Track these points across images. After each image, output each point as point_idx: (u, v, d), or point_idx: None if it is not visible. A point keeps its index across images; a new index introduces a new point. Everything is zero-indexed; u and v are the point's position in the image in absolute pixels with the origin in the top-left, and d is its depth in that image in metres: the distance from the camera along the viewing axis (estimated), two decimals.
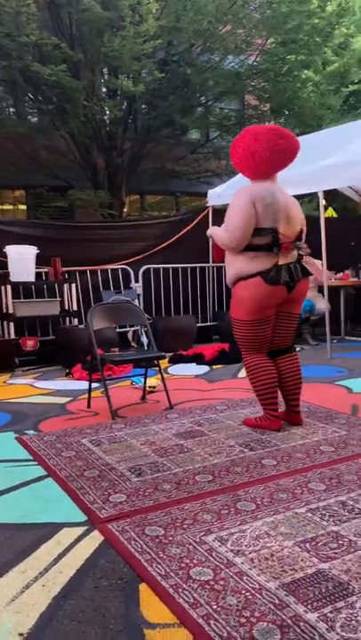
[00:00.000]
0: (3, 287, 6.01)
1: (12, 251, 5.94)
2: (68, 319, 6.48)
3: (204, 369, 5.70)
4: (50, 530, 2.27)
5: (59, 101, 9.65)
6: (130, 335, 6.91)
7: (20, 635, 1.63)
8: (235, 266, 3.36)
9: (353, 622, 1.60)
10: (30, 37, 8.60)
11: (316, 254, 6.42)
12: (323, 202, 5.99)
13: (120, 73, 9.58)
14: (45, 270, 6.32)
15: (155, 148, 11.10)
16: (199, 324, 7.21)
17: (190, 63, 10.38)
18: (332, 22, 11.00)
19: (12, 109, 10.67)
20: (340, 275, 7.15)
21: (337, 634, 1.56)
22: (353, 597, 1.72)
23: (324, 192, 5.94)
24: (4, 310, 5.99)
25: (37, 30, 8.70)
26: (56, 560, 2.03)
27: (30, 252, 6.00)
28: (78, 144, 10.51)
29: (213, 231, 3.55)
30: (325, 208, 7.72)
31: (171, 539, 2.13)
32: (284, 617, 1.64)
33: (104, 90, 10.54)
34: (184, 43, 10.21)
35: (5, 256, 5.97)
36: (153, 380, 4.75)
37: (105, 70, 10.53)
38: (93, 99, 9.61)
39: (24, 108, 10.79)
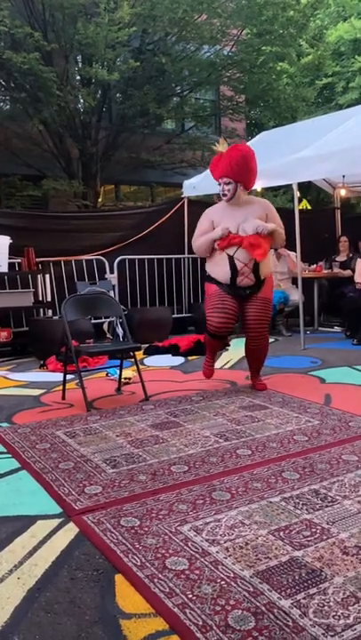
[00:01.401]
0: None
1: None
2: (41, 310, 6.41)
3: (180, 360, 5.71)
4: (24, 523, 2.26)
5: (32, 89, 9.48)
6: (105, 326, 6.87)
7: None
8: (270, 263, 4.35)
9: (325, 608, 1.63)
10: (1, 25, 8.41)
11: (291, 246, 6.47)
12: (297, 194, 6.03)
13: (94, 61, 9.45)
14: (18, 261, 6.23)
15: (129, 137, 11.01)
16: (175, 316, 7.21)
17: (165, 52, 10.29)
18: (307, 14, 11.03)
19: None
20: (314, 266, 7.22)
21: (310, 619, 1.59)
22: (325, 584, 1.75)
23: (299, 184, 5.97)
24: None
25: (9, 18, 8.51)
26: (31, 553, 2.02)
27: (3, 242, 5.90)
28: (52, 133, 10.35)
29: (276, 228, 4.19)
30: (300, 200, 7.78)
31: (146, 529, 2.14)
32: (258, 604, 1.66)
33: (78, 78, 10.39)
34: (159, 31, 10.12)
35: None
36: (128, 372, 4.74)
37: (79, 58, 10.38)
38: (67, 87, 9.46)
39: None
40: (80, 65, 10.30)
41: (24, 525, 2.24)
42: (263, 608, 1.64)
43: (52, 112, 9.49)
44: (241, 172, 4.10)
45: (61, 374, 4.30)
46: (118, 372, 4.51)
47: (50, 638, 1.57)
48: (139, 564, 1.91)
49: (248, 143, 7.80)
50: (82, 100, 9.96)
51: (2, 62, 9.04)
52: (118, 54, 9.45)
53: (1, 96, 10.62)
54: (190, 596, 1.72)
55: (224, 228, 4.09)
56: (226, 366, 5.30)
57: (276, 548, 1.97)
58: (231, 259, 4.10)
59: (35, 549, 2.05)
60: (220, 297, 4.17)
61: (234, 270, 4.10)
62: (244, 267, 4.10)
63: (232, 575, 1.82)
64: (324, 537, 2.04)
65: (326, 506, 2.28)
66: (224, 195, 4.17)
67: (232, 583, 1.77)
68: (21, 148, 10.26)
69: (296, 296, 6.65)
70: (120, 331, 6.28)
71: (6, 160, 10.20)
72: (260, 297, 4.20)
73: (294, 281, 6.94)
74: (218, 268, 4.17)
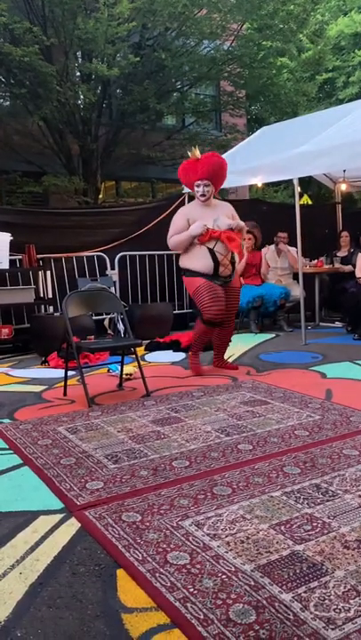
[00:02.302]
0: None
1: None
2: (43, 307, 6.41)
3: (181, 356, 5.71)
4: (26, 518, 2.27)
5: (31, 85, 9.45)
6: (106, 323, 6.88)
7: None
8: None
9: (326, 601, 1.64)
10: (0, 19, 8.39)
11: (292, 241, 6.46)
12: (298, 189, 6.02)
13: (94, 57, 9.42)
14: (19, 257, 6.24)
15: (130, 133, 10.98)
16: (175, 311, 7.20)
17: (165, 47, 10.25)
18: (307, 9, 10.98)
19: None
20: (315, 262, 7.20)
21: (311, 613, 1.59)
22: (326, 577, 1.75)
23: (300, 179, 5.96)
24: None
25: (7, 12, 8.48)
26: (33, 548, 2.03)
27: (3, 238, 5.90)
28: (52, 129, 10.33)
29: (243, 225, 4.75)
30: (301, 195, 7.76)
31: (148, 524, 2.15)
32: (259, 598, 1.67)
33: (78, 74, 10.36)
34: (159, 26, 10.08)
35: None
36: (130, 368, 4.75)
37: (79, 54, 10.34)
38: (67, 83, 9.43)
39: None
40: (80, 60, 10.27)
41: (26, 521, 2.24)
42: (264, 602, 1.65)
43: (51, 108, 9.46)
44: (217, 176, 4.65)
45: (63, 370, 4.31)
46: (119, 368, 4.51)
47: (52, 633, 1.58)
48: (140, 558, 1.91)
49: (249, 138, 7.80)
50: (82, 96, 9.92)
51: (1, 58, 9.02)
52: (118, 50, 9.41)
53: (1, 92, 10.59)
54: (192, 590, 1.72)
55: (202, 225, 4.47)
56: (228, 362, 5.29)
57: (277, 542, 1.97)
58: (212, 251, 4.51)
59: (37, 544, 2.05)
60: (210, 287, 4.53)
61: (216, 262, 4.53)
62: (224, 258, 4.55)
63: (233, 569, 1.82)
64: (325, 531, 2.04)
65: (327, 500, 2.29)
66: (203, 195, 4.63)
67: (233, 577, 1.78)
68: (21, 144, 10.25)
69: (297, 291, 6.64)
70: (121, 327, 6.29)
71: (6, 157, 10.19)
72: (234, 288, 4.75)
73: (295, 276, 6.93)
74: (200, 262, 4.55)
